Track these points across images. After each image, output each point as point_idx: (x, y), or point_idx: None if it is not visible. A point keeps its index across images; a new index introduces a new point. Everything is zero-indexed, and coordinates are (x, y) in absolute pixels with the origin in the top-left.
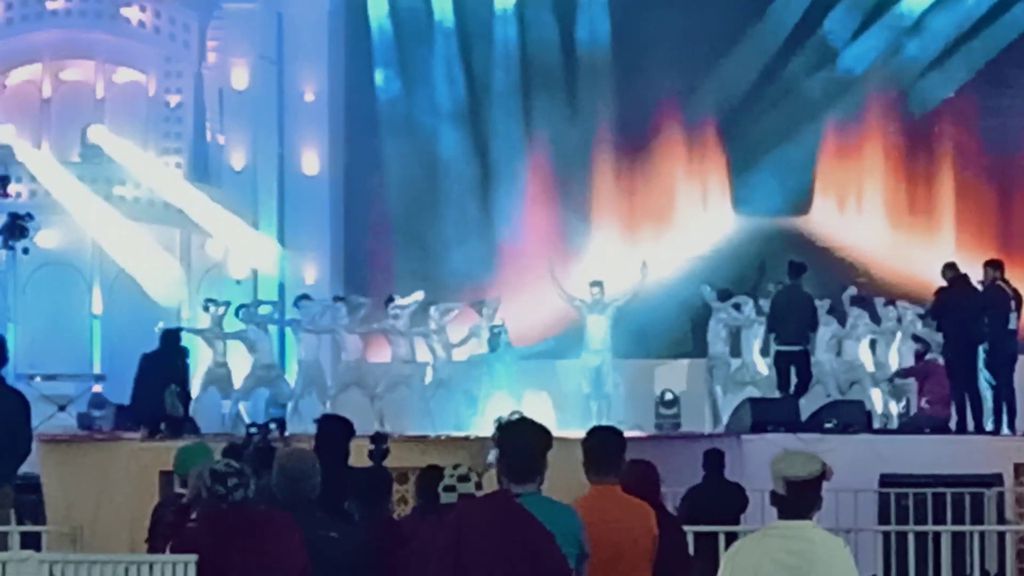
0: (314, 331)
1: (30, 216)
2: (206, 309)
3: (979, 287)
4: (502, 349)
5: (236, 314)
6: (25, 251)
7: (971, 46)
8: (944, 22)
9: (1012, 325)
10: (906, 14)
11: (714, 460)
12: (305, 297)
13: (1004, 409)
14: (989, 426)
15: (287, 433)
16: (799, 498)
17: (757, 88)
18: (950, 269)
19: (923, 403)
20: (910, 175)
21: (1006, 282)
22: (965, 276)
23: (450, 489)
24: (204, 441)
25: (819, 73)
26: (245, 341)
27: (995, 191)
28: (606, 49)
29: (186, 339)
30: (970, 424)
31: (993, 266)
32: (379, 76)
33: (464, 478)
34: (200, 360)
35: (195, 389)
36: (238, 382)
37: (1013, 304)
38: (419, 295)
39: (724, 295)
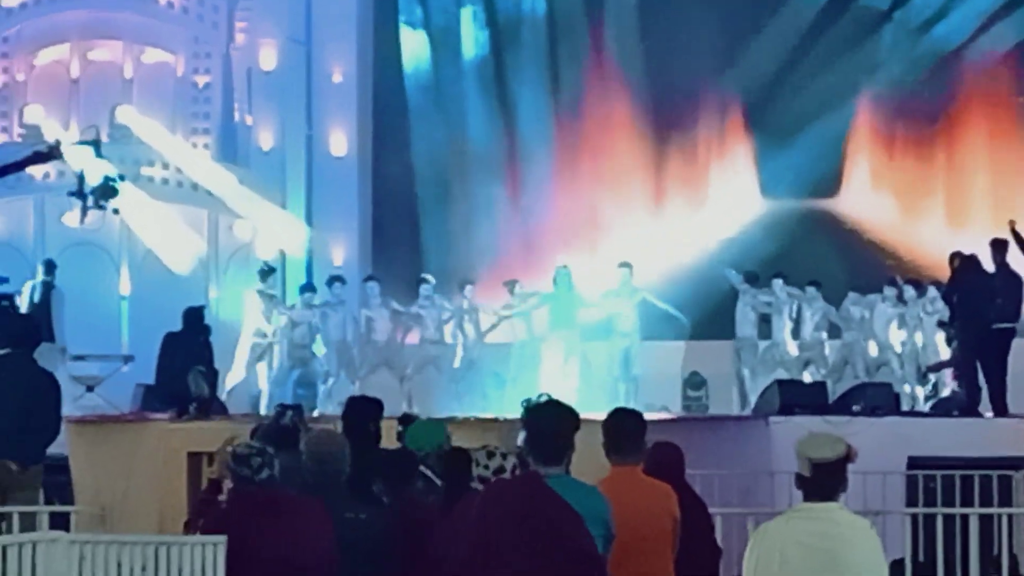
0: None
1: (121, 177)
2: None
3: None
4: (563, 291)
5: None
6: (116, 211)
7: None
8: None
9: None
10: None
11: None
12: (338, 279)
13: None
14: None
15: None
16: (824, 480)
17: (791, 64)
18: (956, 258)
19: (957, 388)
20: (940, 155)
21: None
22: (974, 260)
23: (486, 481)
24: (441, 421)
25: (854, 48)
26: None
27: None
28: (634, 16)
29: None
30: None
31: (996, 247)
32: (404, 37)
33: (500, 470)
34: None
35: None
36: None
37: None
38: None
39: (751, 278)
